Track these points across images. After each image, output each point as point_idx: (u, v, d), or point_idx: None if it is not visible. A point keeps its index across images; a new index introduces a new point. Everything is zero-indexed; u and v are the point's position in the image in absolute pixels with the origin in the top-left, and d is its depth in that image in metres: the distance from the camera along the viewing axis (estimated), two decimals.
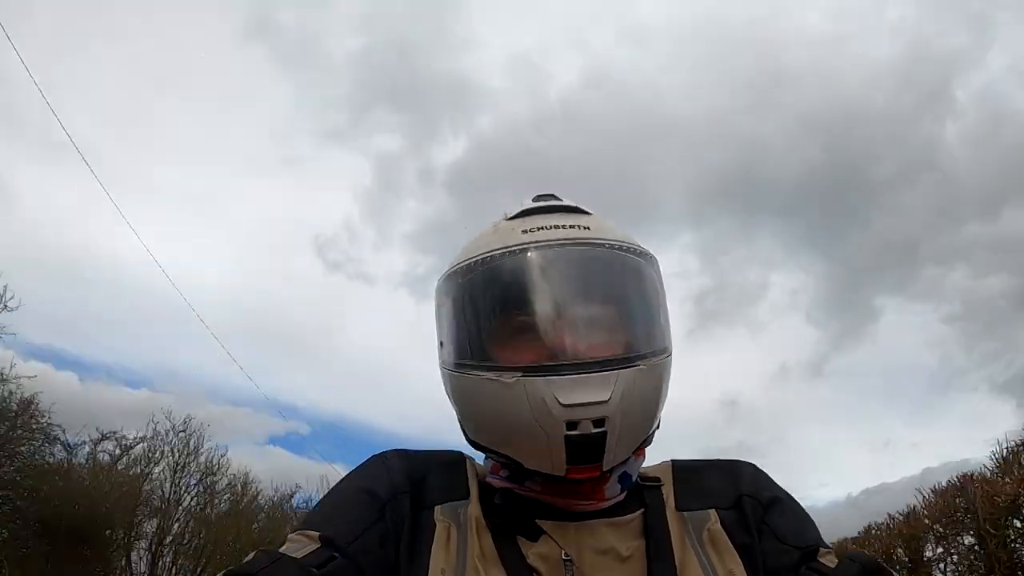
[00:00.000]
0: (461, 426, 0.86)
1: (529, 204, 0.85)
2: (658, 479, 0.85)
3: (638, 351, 0.77)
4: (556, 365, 0.73)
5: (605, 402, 0.71)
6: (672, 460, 0.89)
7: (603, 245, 0.80)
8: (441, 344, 0.86)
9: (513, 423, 0.74)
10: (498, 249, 0.79)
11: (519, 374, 0.73)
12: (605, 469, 0.75)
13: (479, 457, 0.88)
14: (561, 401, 0.71)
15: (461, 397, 0.82)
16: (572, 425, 0.71)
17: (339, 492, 0.81)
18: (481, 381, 0.77)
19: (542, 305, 0.76)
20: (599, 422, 0.72)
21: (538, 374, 0.73)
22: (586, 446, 0.72)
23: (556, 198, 0.86)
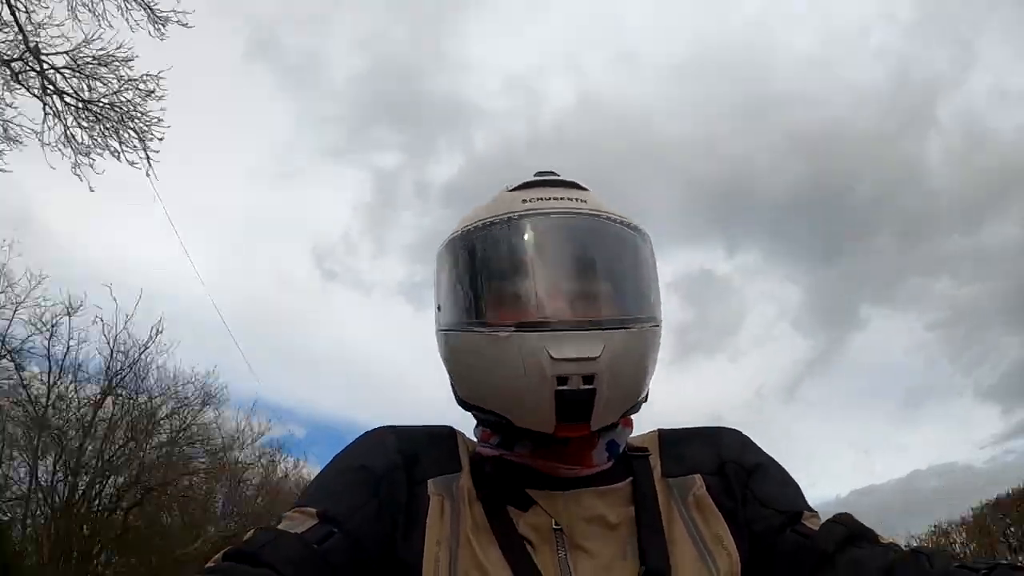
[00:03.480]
0: (453, 388, 0.88)
1: (530, 178, 0.88)
2: (646, 448, 0.88)
3: (629, 315, 0.80)
4: (549, 322, 0.75)
5: (595, 359, 0.74)
6: (658, 429, 0.92)
7: (599, 216, 0.83)
8: (439, 308, 0.88)
9: (505, 377, 0.76)
10: (498, 215, 0.82)
11: (512, 329, 0.75)
12: (593, 429, 0.78)
13: (468, 431, 0.90)
14: (552, 355, 0.73)
15: (455, 356, 0.85)
16: (562, 380, 0.73)
17: (334, 468, 0.82)
18: (476, 337, 0.79)
19: (538, 268, 0.79)
20: (588, 379, 0.74)
21: (531, 329, 0.75)
22: (575, 403, 0.74)
23: (555, 174, 0.89)
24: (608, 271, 0.83)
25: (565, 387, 0.74)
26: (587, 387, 0.74)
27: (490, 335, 0.77)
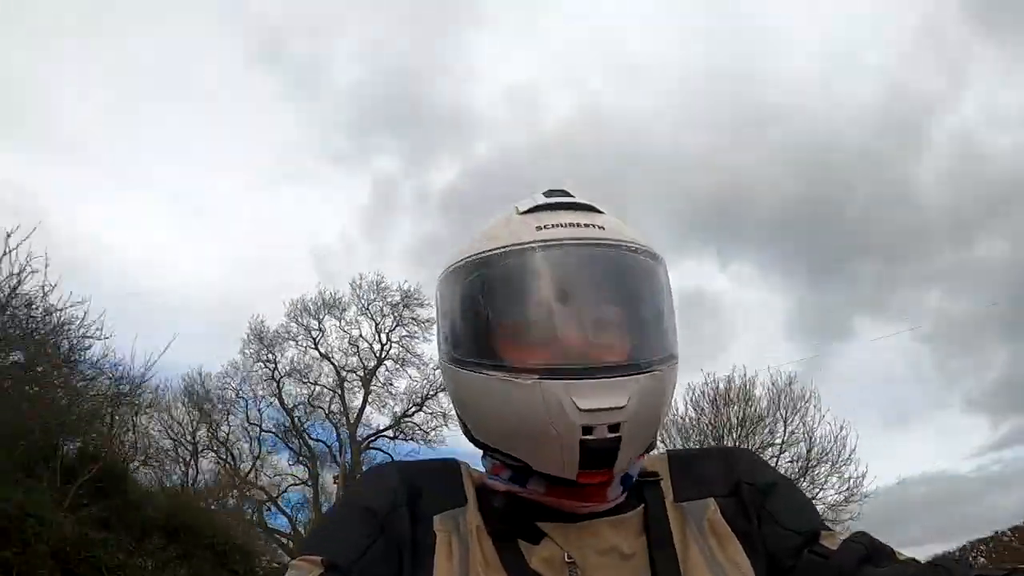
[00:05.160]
0: (463, 423, 0.84)
1: (542, 199, 0.83)
2: (656, 473, 0.85)
3: (653, 357, 0.76)
4: (575, 369, 0.72)
5: (622, 408, 0.71)
6: (668, 451, 0.89)
7: (620, 247, 0.78)
8: (446, 338, 0.83)
9: (527, 425, 0.72)
10: (513, 245, 0.77)
11: (536, 376, 0.71)
12: (615, 473, 0.75)
13: (473, 461, 0.87)
14: (579, 406, 0.70)
15: (468, 395, 0.80)
16: (588, 430, 0.70)
17: (337, 512, 0.80)
18: (494, 381, 0.74)
19: (560, 305, 0.75)
20: (614, 427, 0.71)
21: (556, 377, 0.71)
22: (600, 451, 0.71)
23: (568, 194, 0.84)
24: (633, 310, 0.79)
25: (591, 437, 0.71)
26: (613, 435, 0.71)
27: (510, 380, 0.73)
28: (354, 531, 0.74)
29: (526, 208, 0.81)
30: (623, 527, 0.78)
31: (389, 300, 18.14)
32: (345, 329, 18.10)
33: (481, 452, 0.84)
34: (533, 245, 0.76)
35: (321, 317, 18.02)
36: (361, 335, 18.12)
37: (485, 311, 0.78)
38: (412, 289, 17.99)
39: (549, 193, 0.84)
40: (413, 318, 18.21)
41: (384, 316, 18.17)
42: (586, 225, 0.78)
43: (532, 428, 0.72)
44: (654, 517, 0.79)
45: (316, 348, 18.03)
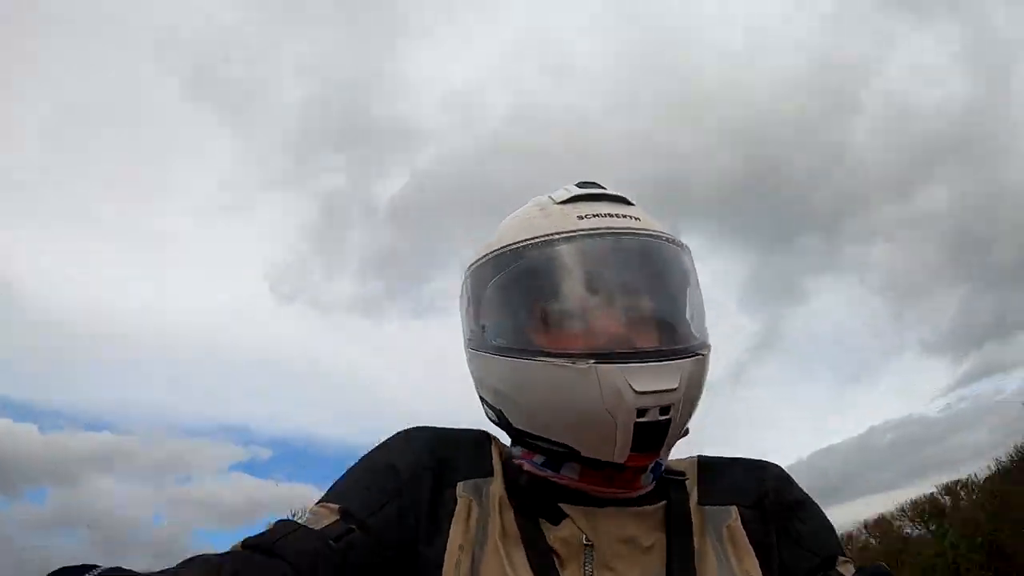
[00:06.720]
0: (495, 411, 0.84)
1: (576, 190, 0.84)
2: (683, 473, 0.85)
3: (698, 341, 0.79)
4: (631, 353, 0.73)
5: (674, 390, 0.73)
6: (698, 456, 0.90)
7: (660, 237, 0.81)
8: (483, 327, 0.83)
9: (580, 410, 0.73)
10: (559, 233, 0.78)
11: (592, 361, 0.72)
12: (661, 457, 0.78)
13: (503, 436, 0.87)
14: (635, 388, 0.71)
15: (510, 383, 0.80)
16: (642, 412, 0.72)
17: (361, 466, 0.81)
18: (546, 367, 0.75)
19: (612, 292, 0.77)
20: (665, 410, 0.73)
21: (612, 361, 0.72)
22: (652, 433, 0.73)
23: (600, 186, 0.86)
24: (677, 297, 0.82)
25: (644, 419, 0.72)
26: (664, 418, 0.73)
27: (565, 366, 0.74)
28: (374, 486, 0.76)
29: (563, 198, 0.83)
30: (644, 519, 0.79)
31: None
32: None
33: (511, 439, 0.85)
34: (583, 233, 0.78)
35: None
36: None
37: (533, 298, 0.79)
38: None
39: (582, 184, 0.86)
40: None
41: None
42: (622, 216, 0.81)
43: (586, 412, 0.73)
44: (676, 514, 0.80)
45: None
